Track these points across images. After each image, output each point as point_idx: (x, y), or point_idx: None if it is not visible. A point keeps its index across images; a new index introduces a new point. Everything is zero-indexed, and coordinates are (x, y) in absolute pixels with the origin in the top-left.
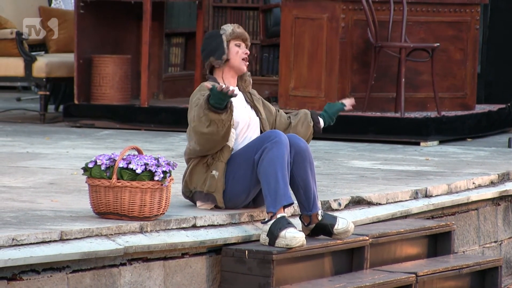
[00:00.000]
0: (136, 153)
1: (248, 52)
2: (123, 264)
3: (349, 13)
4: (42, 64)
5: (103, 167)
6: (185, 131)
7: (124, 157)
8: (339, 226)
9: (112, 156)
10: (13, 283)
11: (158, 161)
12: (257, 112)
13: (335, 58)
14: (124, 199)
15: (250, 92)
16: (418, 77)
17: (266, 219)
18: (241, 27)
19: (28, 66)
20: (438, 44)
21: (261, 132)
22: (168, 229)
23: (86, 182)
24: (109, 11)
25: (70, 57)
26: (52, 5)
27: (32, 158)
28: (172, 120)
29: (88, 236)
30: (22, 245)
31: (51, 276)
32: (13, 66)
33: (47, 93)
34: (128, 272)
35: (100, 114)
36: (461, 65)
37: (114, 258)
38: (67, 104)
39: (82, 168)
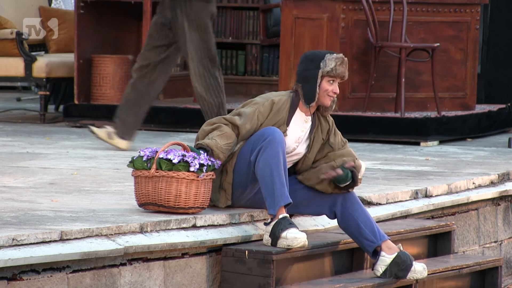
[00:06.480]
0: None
1: (338, 92)
2: (123, 264)
3: (349, 13)
4: (42, 64)
5: (144, 158)
6: (185, 131)
7: (166, 149)
8: None
9: (155, 149)
10: (13, 283)
11: (197, 154)
12: (309, 147)
13: None
14: (161, 189)
15: (322, 123)
16: (418, 77)
17: (269, 221)
18: (346, 61)
19: (28, 66)
20: (438, 44)
21: (295, 165)
22: (168, 229)
23: (132, 174)
24: (109, 11)
25: (70, 57)
26: (52, 5)
27: (32, 158)
28: (172, 120)
29: (88, 236)
30: (22, 245)
31: (51, 276)
32: (13, 66)
33: (47, 93)
34: (128, 272)
35: (100, 114)
36: (461, 65)
37: (114, 258)
38: (67, 104)
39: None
